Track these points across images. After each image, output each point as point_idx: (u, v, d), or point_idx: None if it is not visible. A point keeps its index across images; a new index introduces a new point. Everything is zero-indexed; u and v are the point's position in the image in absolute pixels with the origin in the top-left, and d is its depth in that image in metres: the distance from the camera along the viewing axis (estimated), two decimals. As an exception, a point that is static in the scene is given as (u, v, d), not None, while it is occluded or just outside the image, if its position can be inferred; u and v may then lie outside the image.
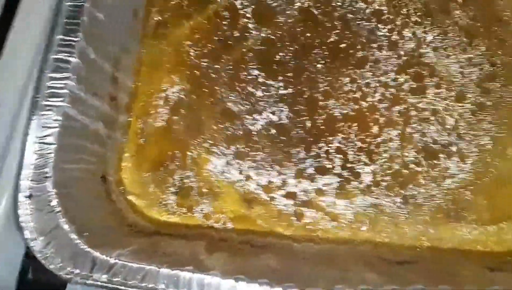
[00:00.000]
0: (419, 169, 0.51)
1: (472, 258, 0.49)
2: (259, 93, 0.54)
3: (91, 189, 0.48)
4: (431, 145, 0.52)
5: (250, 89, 0.54)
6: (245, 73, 0.54)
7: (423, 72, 0.54)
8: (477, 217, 0.50)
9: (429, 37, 0.55)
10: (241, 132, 0.53)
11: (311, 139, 0.52)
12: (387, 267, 0.45)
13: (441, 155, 0.51)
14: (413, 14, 0.56)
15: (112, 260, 0.42)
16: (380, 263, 0.46)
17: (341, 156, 0.51)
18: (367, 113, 0.53)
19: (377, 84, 0.53)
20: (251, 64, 0.54)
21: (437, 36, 0.55)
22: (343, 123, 0.52)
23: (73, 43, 0.47)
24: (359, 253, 0.48)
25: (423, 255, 0.49)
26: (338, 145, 0.52)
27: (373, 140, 0.52)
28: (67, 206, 0.44)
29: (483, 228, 0.50)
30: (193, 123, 0.53)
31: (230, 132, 0.53)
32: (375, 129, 0.52)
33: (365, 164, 0.51)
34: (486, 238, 0.50)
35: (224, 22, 0.56)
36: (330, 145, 0.52)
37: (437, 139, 0.52)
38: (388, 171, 0.51)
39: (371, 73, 0.54)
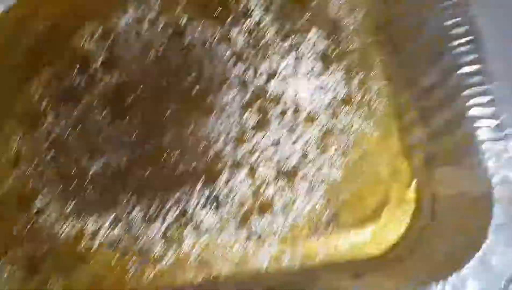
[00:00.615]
0: (270, 200, 0.49)
1: (344, 267, 0.47)
2: (103, 135, 0.50)
3: None
4: (281, 175, 0.50)
5: (93, 130, 0.50)
6: (91, 115, 0.51)
7: (268, 104, 0.52)
8: (341, 227, 0.49)
9: (283, 65, 0.53)
10: (75, 171, 0.49)
11: (148, 189, 0.49)
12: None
13: (291, 183, 0.50)
14: (273, 41, 0.53)
15: None
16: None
17: (180, 206, 0.49)
18: (214, 162, 0.50)
19: (221, 130, 0.51)
20: (98, 107, 0.51)
21: (291, 62, 0.53)
22: (188, 177, 0.49)
23: None
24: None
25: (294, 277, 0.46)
26: (179, 196, 0.49)
27: (221, 188, 0.49)
28: None
29: (351, 235, 0.49)
30: (27, 168, 0.49)
31: (63, 170, 0.49)
32: (223, 176, 0.50)
33: (211, 210, 0.49)
34: (361, 243, 0.49)
35: (74, 70, 0.52)
36: (169, 196, 0.49)
37: (287, 168, 0.50)
38: (237, 212, 0.49)
39: (216, 118, 0.51)
